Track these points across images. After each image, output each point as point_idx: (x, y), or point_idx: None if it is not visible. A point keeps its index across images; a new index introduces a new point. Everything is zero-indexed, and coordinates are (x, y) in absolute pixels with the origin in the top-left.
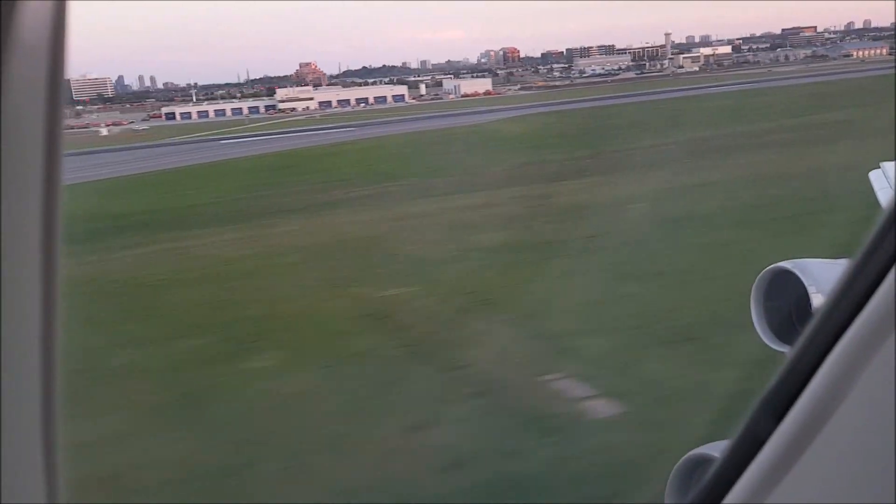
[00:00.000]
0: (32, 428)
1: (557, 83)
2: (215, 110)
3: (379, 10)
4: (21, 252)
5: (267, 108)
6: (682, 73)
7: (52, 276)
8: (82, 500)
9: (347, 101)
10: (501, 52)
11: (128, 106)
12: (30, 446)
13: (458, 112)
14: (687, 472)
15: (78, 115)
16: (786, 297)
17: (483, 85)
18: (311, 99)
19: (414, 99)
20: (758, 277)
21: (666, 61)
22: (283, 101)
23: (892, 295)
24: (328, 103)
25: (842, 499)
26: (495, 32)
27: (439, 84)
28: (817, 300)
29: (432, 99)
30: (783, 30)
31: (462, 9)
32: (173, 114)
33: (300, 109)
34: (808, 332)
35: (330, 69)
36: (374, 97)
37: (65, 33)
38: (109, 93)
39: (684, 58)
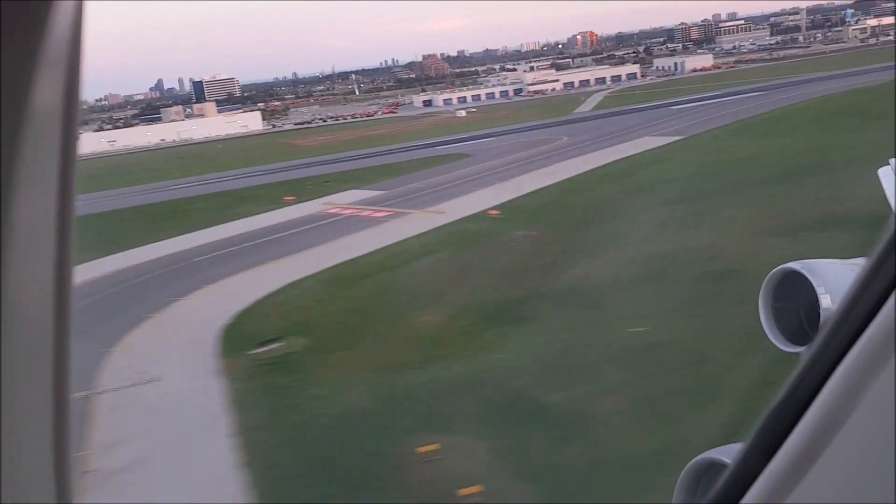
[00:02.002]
0: (44, 429)
1: (773, 58)
2: (458, 98)
3: (370, 6)
4: (35, 253)
5: (516, 91)
6: (882, 45)
7: (66, 276)
8: (91, 501)
9: (588, 81)
10: (581, 37)
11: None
12: (41, 447)
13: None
14: (696, 476)
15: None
16: (794, 298)
17: (706, 60)
18: (557, 81)
19: (647, 76)
20: (766, 278)
21: (818, 33)
22: (531, 85)
23: None
24: (571, 84)
25: (861, 500)
26: (487, 21)
27: (645, 63)
28: (826, 301)
29: (664, 76)
30: None
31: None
32: (430, 101)
33: (548, 91)
34: (822, 336)
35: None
36: (611, 77)
37: (83, 32)
38: (237, 92)
39: (853, 29)
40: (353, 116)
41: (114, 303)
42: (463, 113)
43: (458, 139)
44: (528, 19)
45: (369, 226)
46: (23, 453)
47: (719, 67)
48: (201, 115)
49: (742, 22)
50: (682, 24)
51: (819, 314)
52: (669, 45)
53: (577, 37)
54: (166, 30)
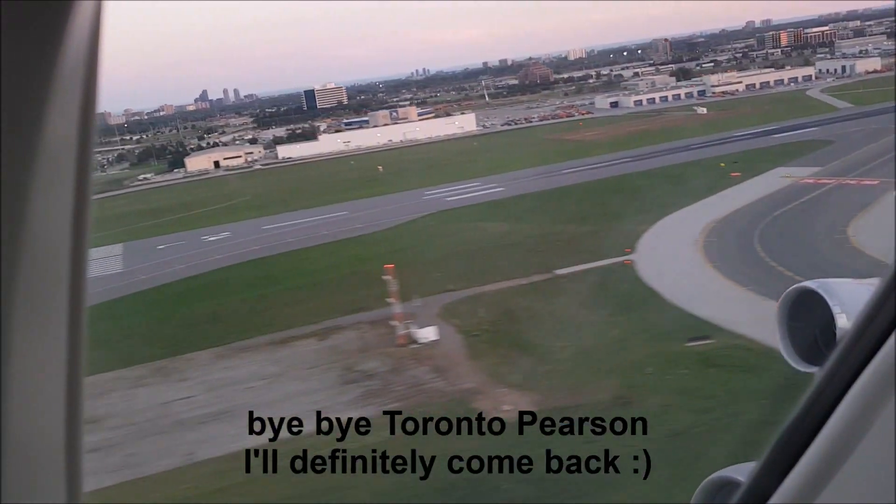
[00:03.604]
0: (56, 429)
1: None
2: (648, 98)
3: (387, 18)
4: (50, 252)
5: (699, 93)
6: None
7: (80, 276)
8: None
9: (768, 83)
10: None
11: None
12: (52, 447)
13: None
14: (710, 494)
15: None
16: (810, 318)
17: (873, 63)
18: (741, 83)
19: (820, 78)
20: (782, 297)
21: None
22: (715, 86)
23: None
24: (753, 86)
25: None
26: (504, 31)
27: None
28: (842, 321)
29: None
30: None
31: (467, 9)
32: (617, 102)
33: (735, 92)
34: (836, 355)
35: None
36: (788, 78)
37: (101, 33)
38: (346, 100)
39: None
40: (553, 117)
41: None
42: (704, 110)
43: (769, 131)
44: (548, 27)
45: (885, 190)
46: (33, 453)
47: (891, 70)
48: (405, 119)
49: (828, 28)
50: (769, 29)
51: (835, 334)
52: (770, 51)
53: (658, 43)
54: (184, 43)
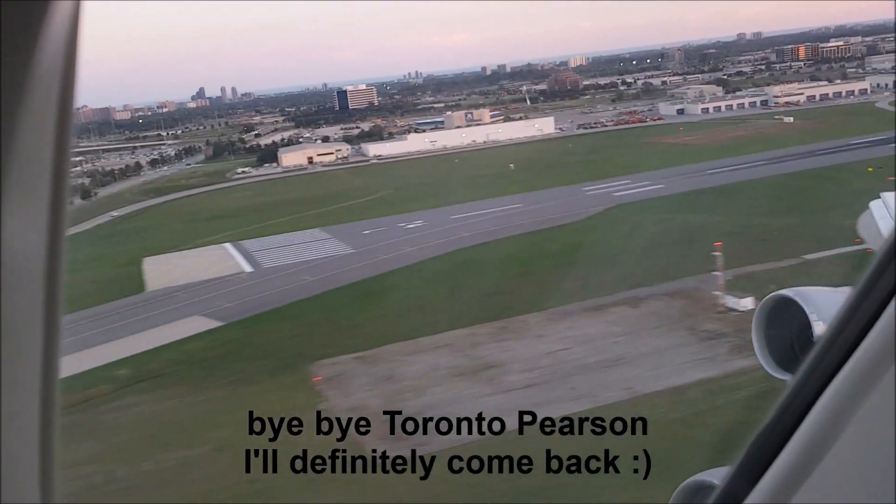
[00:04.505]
0: (30, 430)
1: None
2: (714, 107)
3: (377, 21)
4: (25, 253)
5: (762, 102)
6: None
7: (55, 278)
8: (77, 501)
9: (827, 95)
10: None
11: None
12: (27, 447)
13: None
14: (687, 498)
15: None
16: (787, 325)
17: None
18: (802, 94)
19: (876, 92)
20: (759, 305)
21: None
22: (778, 97)
23: (893, 326)
24: (813, 97)
25: None
26: (496, 35)
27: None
28: (819, 328)
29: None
30: None
31: (456, 13)
32: (683, 110)
33: (794, 103)
34: (810, 360)
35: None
36: (846, 91)
37: (79, 33)
38: (376, 102)
39: None
40: (624, 123)
41: None
42: (791, 119)
43: (879, 140)
44: (538, 33)
45: None
46: (7, 453)
47: None
48: (480, 121)
49: (842, 42)
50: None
51: (812, 340)
52: (794, 64)
53: (675, 52)
54: (173, 41)
